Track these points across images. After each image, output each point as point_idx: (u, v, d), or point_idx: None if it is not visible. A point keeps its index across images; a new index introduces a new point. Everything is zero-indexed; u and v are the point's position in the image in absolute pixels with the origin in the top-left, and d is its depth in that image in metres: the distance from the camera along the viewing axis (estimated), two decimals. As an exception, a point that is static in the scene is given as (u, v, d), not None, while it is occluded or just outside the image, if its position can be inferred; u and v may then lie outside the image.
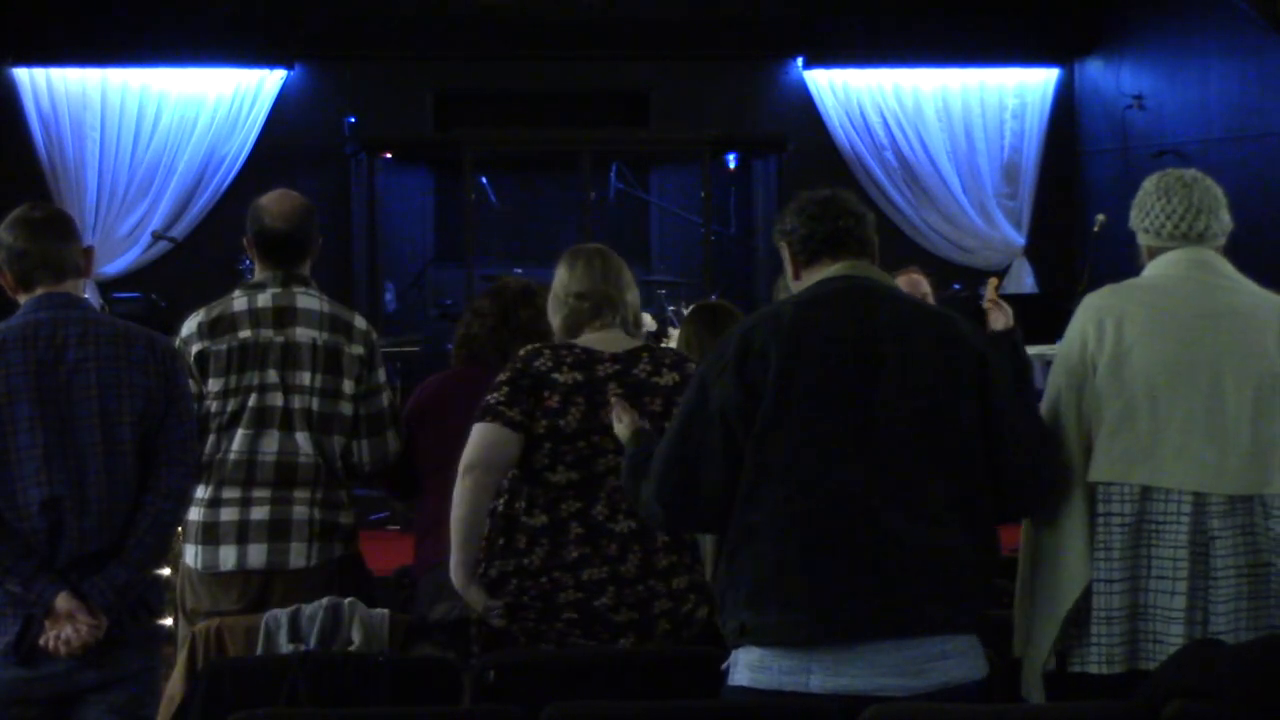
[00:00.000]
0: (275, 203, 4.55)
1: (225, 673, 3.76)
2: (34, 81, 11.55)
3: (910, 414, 3.34)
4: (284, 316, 4.47)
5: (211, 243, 11.35)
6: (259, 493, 4.40)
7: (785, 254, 3.61)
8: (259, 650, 4.06)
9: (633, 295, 4.18)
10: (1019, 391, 3.47)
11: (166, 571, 3.93)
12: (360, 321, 4.60)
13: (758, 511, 3.34)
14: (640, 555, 4.00)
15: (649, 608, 3.99)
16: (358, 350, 4.52)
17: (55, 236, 3.82)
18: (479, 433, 3.98)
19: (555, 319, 4.19)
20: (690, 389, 3.48)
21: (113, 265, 11.49)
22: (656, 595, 4.00)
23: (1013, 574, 3.78)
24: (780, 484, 3.32)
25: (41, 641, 3.63)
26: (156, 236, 11.42)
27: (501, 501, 4.04)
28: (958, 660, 3.36)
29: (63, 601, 3.64)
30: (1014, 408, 3.41)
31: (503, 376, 4.04)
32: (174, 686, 4.10)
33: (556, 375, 4.00)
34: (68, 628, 3.64)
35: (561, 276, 4.19)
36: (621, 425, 3.82)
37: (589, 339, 4.10)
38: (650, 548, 4.01)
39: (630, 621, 3.98)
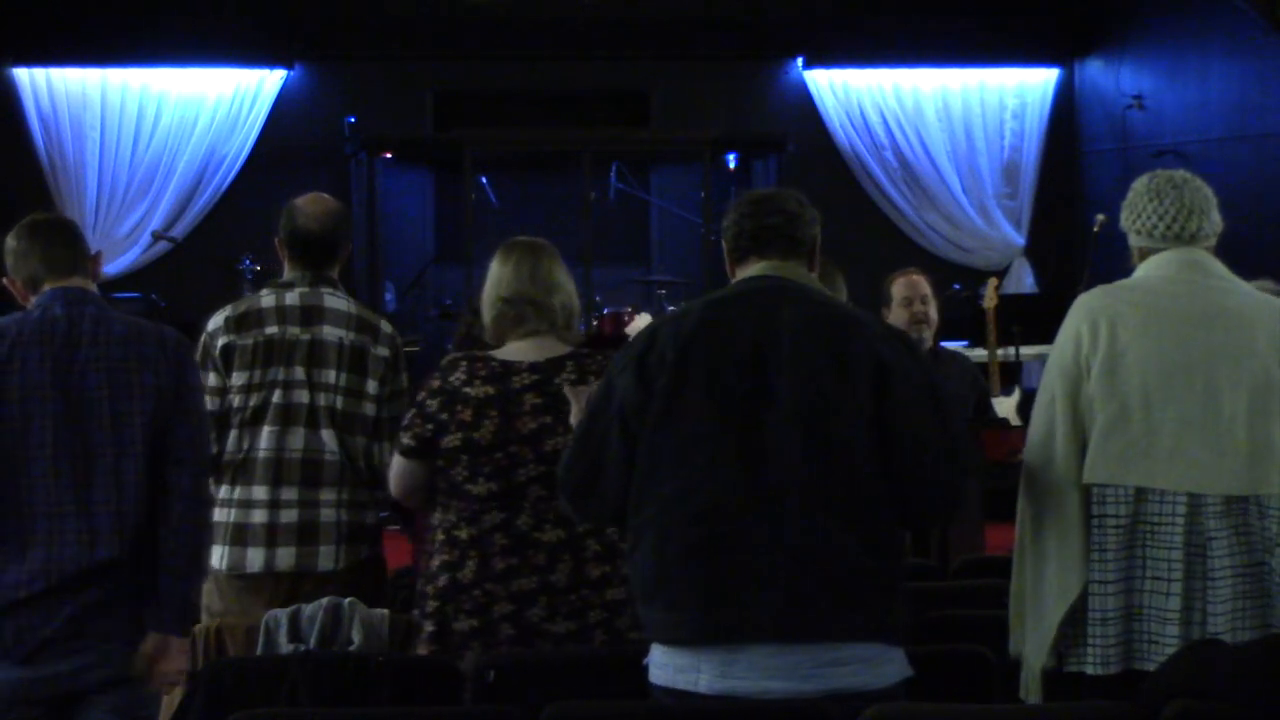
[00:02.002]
0: (309, 204, 4.60)
1: (225, 673, 3.76)
2: (34, 81, 11.55)
3: (799, 417, 3.28)
4: (311, 315, 4.50)
5: (211, 243, 11.36)
6: (287, 494, 4.41)
7: (725, 252, 3.59)
8: (259, 650, 4.07)
9: (562, 297, 4.11)
10: (932, 402, 3.34)
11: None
12: (386, 325, 4.65)
13: (648, 509, 3.33)
14: (570, 565, 3.98)
15: (584, 617, 3.97)
16: (383, 352, 4.55)
17: (57, 238, 3.84)
18: (392, 464, 4.19)
19: (486, 319, 4.18)
20: (600, 385, 3.48)
21: (113, 265, 11.48)
22: (590, 605, 3.98)
23: (1008, 574, 3.77)
24: (668, 483, 3.31)
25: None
26: (156, 236, 11.43)
27: (437, 516, 4.08)
28: (855, 667, 3.26)
29: (149, 643, 3.70)
30: (913, 416, 3.30)
31: (420, 394, 4.11)
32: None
33: (469, 390, 4.01)
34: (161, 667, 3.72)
35: (493, 274, 4.16)
36: (572, 415, 3.85)
37: (512, 348, 4.09)
38: (581, 557, 3.99)
39: (568, 633, 3.96)
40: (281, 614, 4.11)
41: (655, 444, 3.33)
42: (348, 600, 4.13)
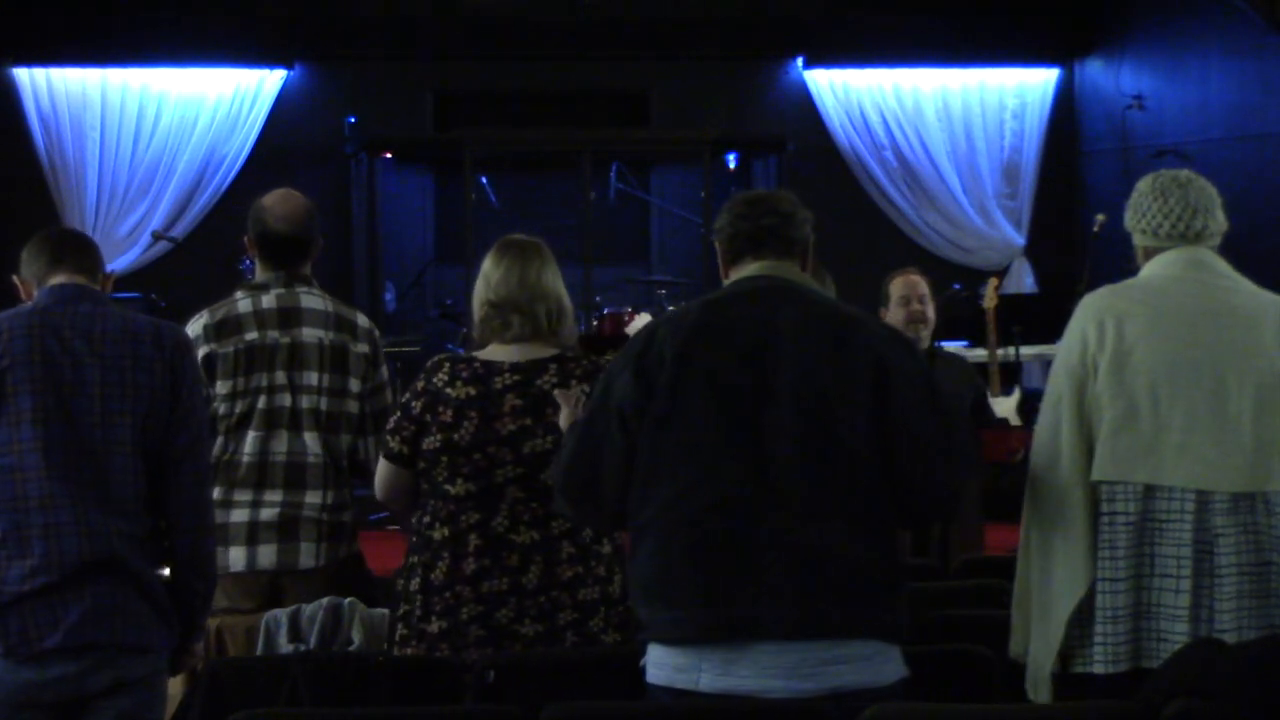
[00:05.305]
0: (278, 204, 4.55)
1: (225, 673, 3.76)
2: (34, 81, 11.55)
3: (799, 416, 3.29)
4: (289, 317, 4.48)
5: (211, 243, 11.34)
6: (270, 495, 4.42)
7: (718, 252, 3.59)
8: (259, 650, 4.07)
9: (549, 303, 4.05)
10: (931, 402, 3.35)
11: (166, 571, 3.90)
12: (363, 320, 4.62)
13: (649, 509, 3.33)
14: (542, 566, 3.97)
15: (553, 620, 3.96)
16: (363, 349, 4.54)
17: (68, 241, 3.85)
18: (378, 469, 4.16)
19: (474, 319, 4.14)
20: (598, 385, 3.48)
21: (113, 265, 11.46)
22: (561, 607, 3.96)
23: (1008, 574, 3.78)
24: (668, 483, 3.31)
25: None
26: (156, 236, 11.41)
27: (417, 516, 4.08)
28: (855, 665, 3.27)
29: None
30: (914, 415, 3.31)
31: (405, 395, 4.09)
32: (174, 686, 4.10)
33: (450, 390, 4.00)
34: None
35: (483, 274, 4.11)
36: (561, 418, 3.84)
37: (495, 349, 4.06)
38: (554, 559, 3.98)
39: (536, 635, 3.94)
40: (281, 614, 4.11)
41: (656, 444, 3.33)
42: (348, 600, 4.13)
